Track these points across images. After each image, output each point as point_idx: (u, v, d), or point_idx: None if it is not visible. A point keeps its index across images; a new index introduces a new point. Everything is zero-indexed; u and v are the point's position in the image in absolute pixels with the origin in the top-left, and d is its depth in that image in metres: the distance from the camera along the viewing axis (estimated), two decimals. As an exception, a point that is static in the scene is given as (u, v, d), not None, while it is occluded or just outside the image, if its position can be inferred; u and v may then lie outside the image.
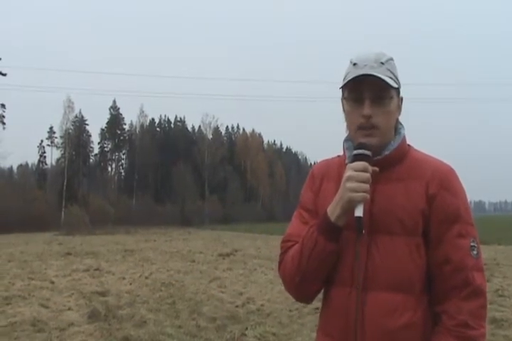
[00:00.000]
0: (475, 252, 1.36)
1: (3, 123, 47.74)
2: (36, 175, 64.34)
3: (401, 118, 1.50)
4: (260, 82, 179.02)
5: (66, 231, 35.57)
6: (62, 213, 47.83)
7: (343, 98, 1.46)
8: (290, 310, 6.99)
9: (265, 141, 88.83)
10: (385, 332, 1.33)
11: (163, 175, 67.10)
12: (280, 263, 1.51)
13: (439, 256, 1.36)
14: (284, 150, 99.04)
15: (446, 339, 1.31)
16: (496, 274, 10.33)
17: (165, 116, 76.90)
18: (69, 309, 7.31)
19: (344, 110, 1.46)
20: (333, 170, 1.51)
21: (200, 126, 75.58)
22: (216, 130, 76.21)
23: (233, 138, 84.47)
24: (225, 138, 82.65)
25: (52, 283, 9.91)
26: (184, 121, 78.74)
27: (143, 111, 70.31)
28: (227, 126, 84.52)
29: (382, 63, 1.38)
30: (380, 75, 1.35)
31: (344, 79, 1.41)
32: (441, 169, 1.42)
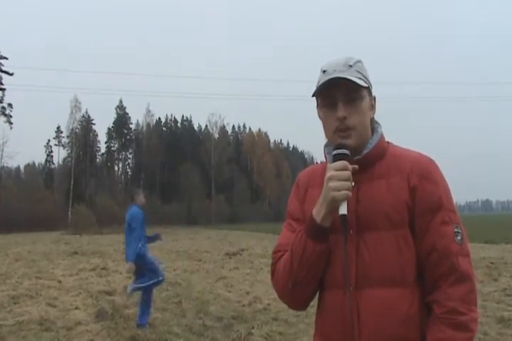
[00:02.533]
0: (459, 238, 1.37)
1: (11, 123, 48.13)
2: (43, 174, 64.80)
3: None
4: (267, 81, 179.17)
5: (73, 230, 35.81)
6: (69, 212, 48.06)
7: (317, 106, 1.49)
8: (297, 310, 6.97)
9: (272, 141, 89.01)
10: (383, 329, 1.33)
11: (170, 174, 67.27)
12: (273, 273, 1.51)
13: (425, 245, 1.37)
14: (290, 149, 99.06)
15: (438, 328, 1.30)
16: (503, 273, 10.26)
17: (171, 115, 77.25)
18: (76, 308, 7.35)
19: (320, 117, 1.49)
20: (317, 176, 1.52)
21: (206, 126, 75.86)
22: (222, 129, 76.32)
23: (240, 138, 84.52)
24: (232, 137, 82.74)
25: (60, 282, 9.97)
26: (191, 121, 79.01)
27: (149, 111, 70.70)
28: (233, 126, 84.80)
29: (350, 66, 1.42)
30: (348, 77, 1.38)
31: (316, 86, 1.44)
32: (420, 161, 1.44)
